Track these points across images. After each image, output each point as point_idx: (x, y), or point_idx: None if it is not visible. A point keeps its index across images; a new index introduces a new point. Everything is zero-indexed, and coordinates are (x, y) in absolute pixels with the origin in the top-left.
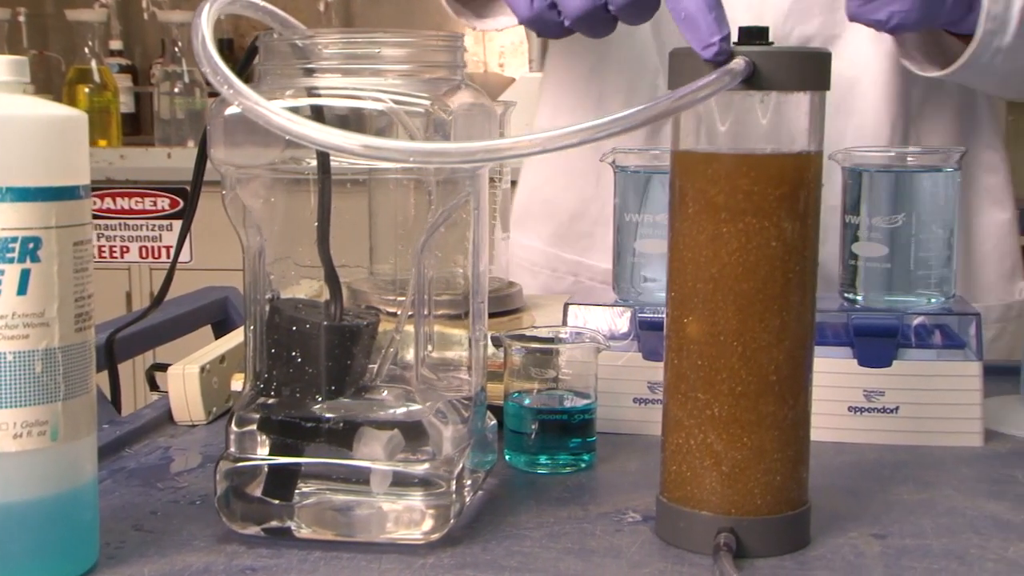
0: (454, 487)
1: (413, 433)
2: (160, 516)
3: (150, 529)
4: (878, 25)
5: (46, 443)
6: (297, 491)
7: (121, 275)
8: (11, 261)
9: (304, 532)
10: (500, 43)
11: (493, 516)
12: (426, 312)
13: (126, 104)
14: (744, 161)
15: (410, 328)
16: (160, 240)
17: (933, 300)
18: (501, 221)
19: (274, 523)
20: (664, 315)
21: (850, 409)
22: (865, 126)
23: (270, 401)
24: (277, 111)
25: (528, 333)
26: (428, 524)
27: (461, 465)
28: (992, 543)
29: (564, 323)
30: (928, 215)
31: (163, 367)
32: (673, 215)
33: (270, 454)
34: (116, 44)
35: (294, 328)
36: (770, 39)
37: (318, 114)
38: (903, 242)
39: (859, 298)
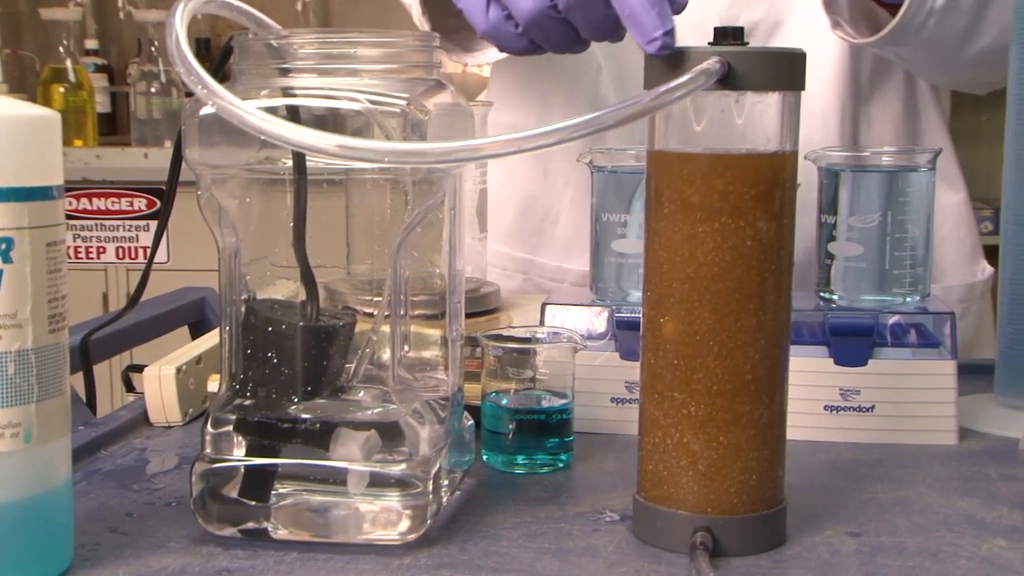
0: (431, 487)
1: (390, 433)
2: (136, 518)
3: (125, 531)
4: None
5: (19, 445)
6: (274, 492)
7: (98, 276)
8: None
9: (281, 533)
10: None
11: (470, 516)
12: (403, 312)
13: (102, 104)
14: (720, 161)
15: (387, 328)
16: (137, 241)
17: (908, 299)
18: (479, 221)
19: (250, 524)
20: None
21: (826, 408)
22: (814, 112)
23: (246, 402)
24: (251, 111)
25: (505, 333)
26: (405, 524)
27: (438, 465)
28: (965, 540)
29: (541, 323)
30: (903, 215)
31: (139, 368)
32: (649, 215)
33: (246, 455)
34: (91, 43)
35: (270, 329)
36: (746, 38)
37: (294, 114)
38: (879, 241)
39: (835, 297)
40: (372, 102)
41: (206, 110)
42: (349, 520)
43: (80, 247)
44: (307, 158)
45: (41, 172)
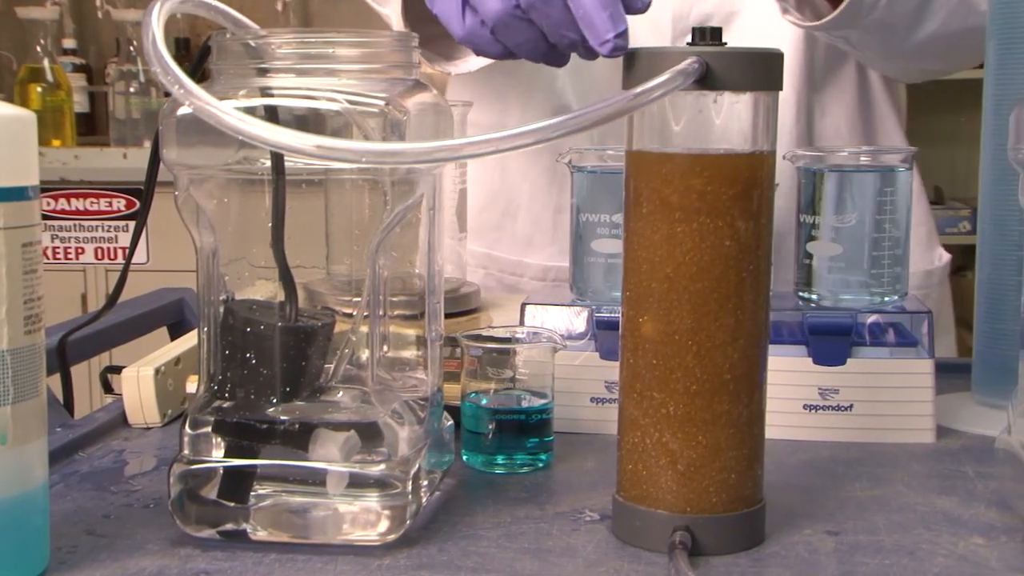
0: (410, 488)
1: (369, 434)
2: (113, 520)
3: (103, 533)
4: None
5: None
6: (252, 493)
7: (76, 277)
8: None
9: (260, 534)
10: None
11: (450, 517)
12: (381, 313)
13: (80, 104)
14: (698, 161)
15: (366, 329)
16: (116, 241)
17: (886, 299)
18: (459, 221)
19: (229, 526)
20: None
21: (805, 407)
22: None
23: (225, 403)
24: (228, 111)
25: (485, 333)
26: (384, 525)
27: (417, 466)
28: (942, 538)
29: (521, 323)
30: (882, 214)
31: (117, 369)
32: (628, 215)
33: (225, 456)
34: (69, 43)
35: (249, 329)
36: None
37: (272, 114)
38: (857, 241)
39: (814, 297)
40: (351, 102)
41: (183, 110)
42: (328, 521)
43: (58, 248)
44: (285, 158)
45: (16, 172)
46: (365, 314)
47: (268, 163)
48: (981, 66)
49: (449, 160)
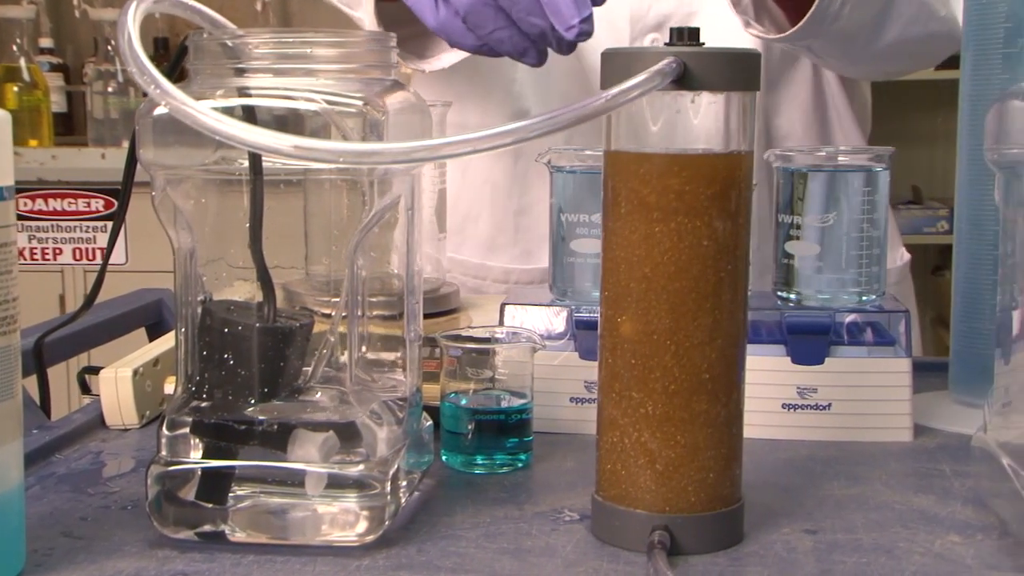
0: (389, 488)
1: (347, 435)
2: (90, 522)
3: (79, 535)
4: None
5: None
6: (231, 494)
7: (54, 277)
8: None
9: (238, 536)
10: None
11: (429, 517)
12: (360, 313)
13: (58, 103)
14: (676, 161)
15: (345, 329)
16: (94, 242)
17: (864, 298)
18: (438, 222)
19: (207, 527)
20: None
21: (784, 406)
22: None
23: (203, 404)
24: (205, 111)
25: (464, 333)
26: (363, 526)
27: (396, 466)
28: (919, 536)
29: (500, 323)
30: (860, 214)
31: (95, 370)
32: (606, 215)
33: (203, 457)
34: (46, 42)
35: (227, 330)
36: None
37: (250, 114)
38: (835, 241)
39: (792, 296)
40: (329, 102)
41: (160, 110)
42: (307, 522)
43: (36, 248)
44: (263, 158)
45: None
46: (344, 314)
47: (246, 163)
48: (958, 66)
49: (427, 160)
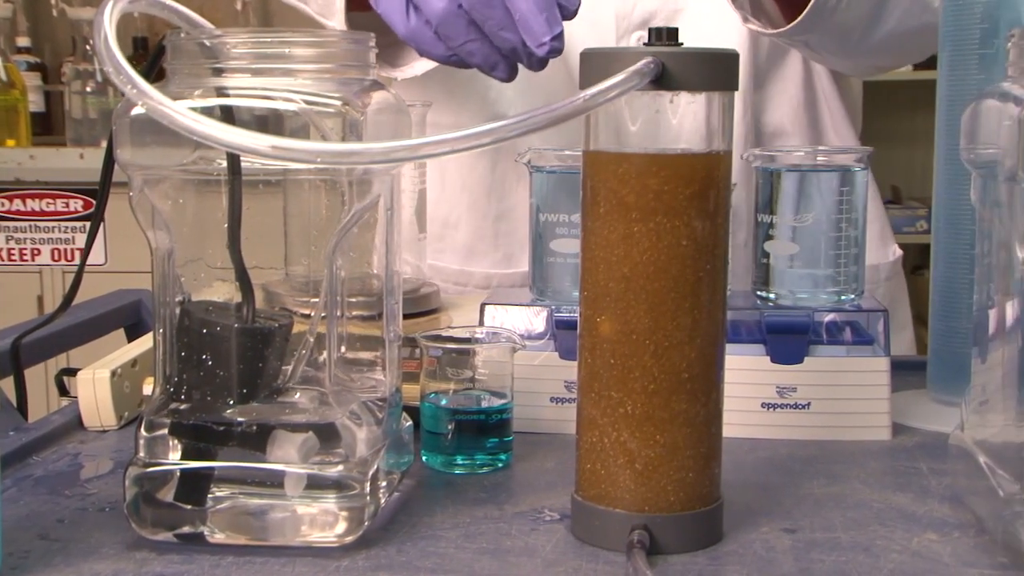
0: (368, 489)
1: (327, 435)
2: (67, 524)
3: (56, 537)
4: None
5: None
6: (210, 496)
7: (32, 278)
8: None
9: (217, 537)
10: None
11: (409, 517)
12: (339, 313)
13: (36, 103)
14: (654, 161)
15: (324, 330)
16: (73, 242)
17: (843, 298)
18: (419, 222)
19: (186, 528)
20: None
21: (763, 405)
22: None
23: (181, 405)
24: (182, 111)
25: (444, 333)
26: (342, 527)
27: (375, 467)
28: (897, 534)
29: (480, 323)
30: (838, 214)
31: (73, 372)
32: (585, 215)
33: (182, 459)
34: (23, 41)
35: (205, 331)
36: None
37: (228, 115)
38: (814, 240)
39: (771, 296)
40: (308, 102)
41: (137, 110)
42: (286, 523)
43: (14, 249)
44: (242, 159)
45: None
46: (323, 315)
47: (224, 164)
48: (936, 66)
49: (406, 160)
